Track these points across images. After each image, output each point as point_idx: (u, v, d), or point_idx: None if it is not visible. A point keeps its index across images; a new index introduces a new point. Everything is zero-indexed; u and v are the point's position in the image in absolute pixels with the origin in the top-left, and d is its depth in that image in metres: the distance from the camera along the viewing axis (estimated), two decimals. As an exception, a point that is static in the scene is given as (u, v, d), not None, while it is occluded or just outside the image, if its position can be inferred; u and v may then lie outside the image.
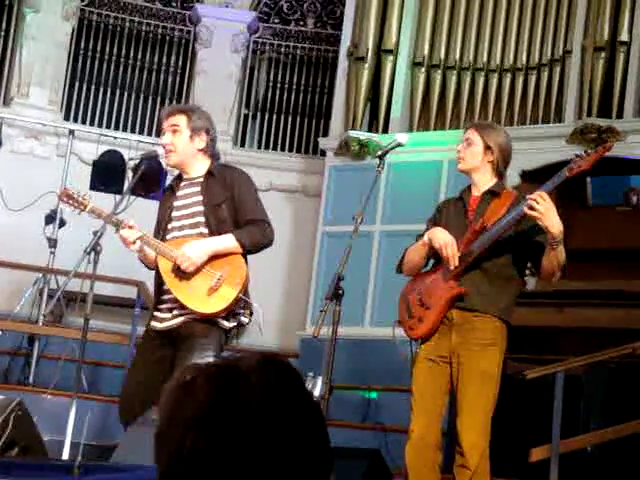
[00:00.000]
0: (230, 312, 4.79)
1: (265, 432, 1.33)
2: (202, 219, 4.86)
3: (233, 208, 4.87)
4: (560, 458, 6.01)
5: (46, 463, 4.41)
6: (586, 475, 6.34)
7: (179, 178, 5.01)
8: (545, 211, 4.38)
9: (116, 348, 8.45)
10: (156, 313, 4.90)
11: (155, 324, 4.87)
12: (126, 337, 8.12)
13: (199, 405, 1.35)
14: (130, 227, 4.81)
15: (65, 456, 4.94)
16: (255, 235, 4.84)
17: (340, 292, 4.59)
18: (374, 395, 8.50)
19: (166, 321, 4.84)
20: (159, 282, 4.91)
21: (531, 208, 4.41)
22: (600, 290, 7.34)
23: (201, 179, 4.93)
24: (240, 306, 4.82)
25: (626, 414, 6.29)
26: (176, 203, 4.95)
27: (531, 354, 6.80)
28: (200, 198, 4.89)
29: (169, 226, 4.92)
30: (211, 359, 4.53)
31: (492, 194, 4.77)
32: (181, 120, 4.91)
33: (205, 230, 4.85)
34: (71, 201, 5.07)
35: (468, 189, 4.87)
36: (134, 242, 4.80)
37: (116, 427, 5.28)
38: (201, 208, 4.87)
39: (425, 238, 4.73)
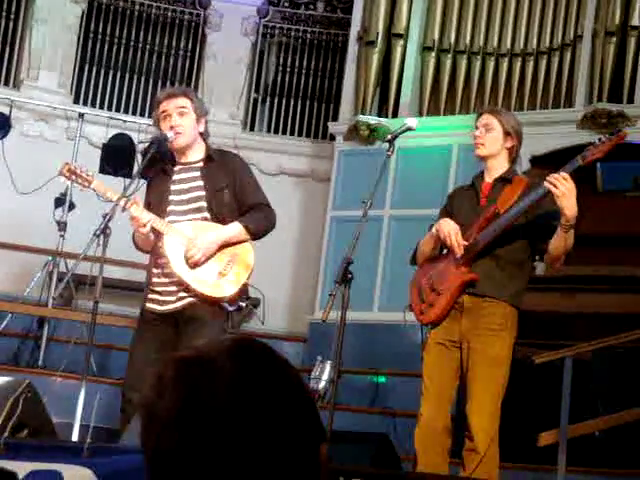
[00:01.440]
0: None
1: (241, 423, 1.31)
2: (204, 204, 4.88)
3: (235, 193, 4.89)
4: (568, 442, 6.01)
5: (56, 445, 4.42)
6: (594, 460, 6.35)
7: (172, 162, 5.00)
8: (566, 191, 4.40)
9: (125, 331, 8.45)
10: (153, 296, 4.90)
11: (154, 306, 4.88)
12: (135, 320, 8.12)
13: (168, 406, 1.34)
14: (139, 208, 4.83)
15: (74, 438, 4.96)
16: (260, 220, 4.90)
17: (349, 276, 4.60)
18: (382, 379, 8.51)
19: (168, 304, 4.85)
20: (158, 264, 4.91)
21: (554, 186, 4.41)
22: (609, 275, 7.34)
23: (200, 164, 4.95)
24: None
25: (634, 399, 6.29)
26: (173, 187, 4.94)
27: (540, 339, 6.80)
28: (201, 183, 4.90)
29: (168, 209, 4.92)
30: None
31: (504, 180, 4.78)
32: (187, 102, 4.93)
33: (208, 215, 4.87)
34: (74, 176, 5.09)
35: (480, 175, 4.87)
36: (145, 225, 4.82)
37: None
38: (203, 193, 4.89)
39: (433, 230, 4.76)
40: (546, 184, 4.45)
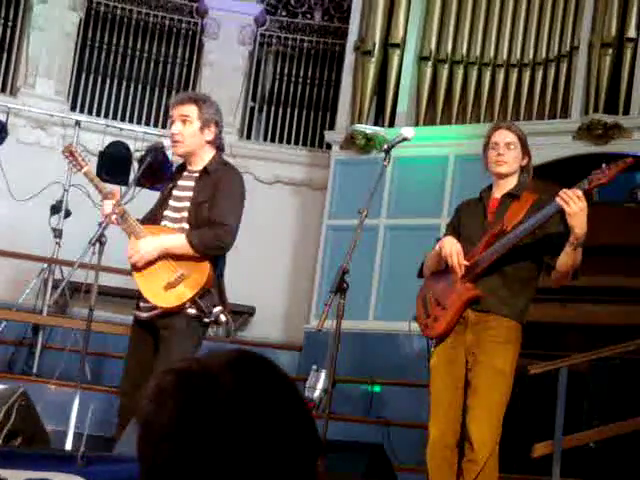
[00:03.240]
0: (199, 308, 4.80)
1: (239, 436, 1.31)
2: (186, 215, 4.87)
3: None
4: (563, 453, 6.01)
5: (49, 453, 4.42)
6: (589, 471, 6.34)
7: (182, 167, 5.01)
8: (577, 209, 4.36)
9: (120, 339, 8.42)
10: (138, 302, 4.92)
11: (139, 313, 4.91)
12: (130, 328, 8.12)
13: (166, 417, 1.33)
14: (113, 200, 4.84)
15: (68, 446, 4.95)
16: (207, 238, 4.80)
17: (345, 285, 4.58)
18: (377, 389, 8.51)
19: (145, 311, 4.86)
20: None
21: (566, 203, 4.38)
22: (604, 286, 7.34)
23: (197, 174, 4.93)
24: (214, 304, 4.82)
25: (629, 410, 6.29)
26: (175, 192, 4.96)
27: (534, 350, 6.80)
28: (190, 194, 4.89)
29: (165, 212, 4.95)
30: (189, 353, 4.58)
31: (512, 196, 4.74)
32: (192, 111, 4.89)
33: (186, 226, 4.86)
34: (71, 158, 5.21)
35: (488, 189, 4.82)
36: (107, 215, 4.83)
37: (119, 418, 5.29)
38: (188, 204, 4.88)
39: (437, 246, 4.74)
40: (558, 200, 4.40)
